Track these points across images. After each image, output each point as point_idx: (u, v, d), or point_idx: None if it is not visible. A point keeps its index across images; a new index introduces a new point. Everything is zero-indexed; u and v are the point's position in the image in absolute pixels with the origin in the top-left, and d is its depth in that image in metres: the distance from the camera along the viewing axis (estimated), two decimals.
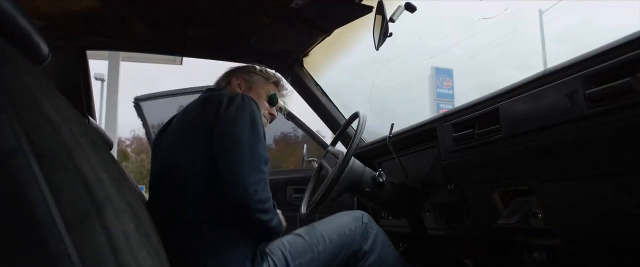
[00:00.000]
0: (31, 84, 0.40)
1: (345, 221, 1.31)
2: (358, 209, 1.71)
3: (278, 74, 1.52)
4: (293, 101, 1.64)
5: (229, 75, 1.43)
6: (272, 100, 1.42)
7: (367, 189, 1.41)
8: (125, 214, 0.48)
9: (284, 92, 1.51)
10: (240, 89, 1.38)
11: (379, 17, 1.35)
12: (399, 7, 1.31)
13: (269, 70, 1.49)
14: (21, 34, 0.46)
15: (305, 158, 2.11)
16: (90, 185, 0.40)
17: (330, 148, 1.60)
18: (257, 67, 1.47)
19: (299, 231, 1.28)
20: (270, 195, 1.12)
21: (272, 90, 1.44)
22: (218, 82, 1.45)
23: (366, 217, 1.35)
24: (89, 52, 1.69)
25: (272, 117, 1.45)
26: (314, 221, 1.39)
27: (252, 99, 1.19)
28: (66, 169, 0.38)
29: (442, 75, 16.70)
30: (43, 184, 0.34)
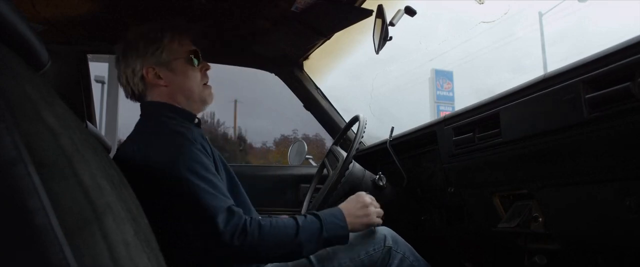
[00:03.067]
0: (31, 91, 0.40)
1: (363, 243, 1.11)
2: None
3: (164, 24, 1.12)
4: None
5: (132, 69, 1.09)
6: (198, 58, 1.14)
7: (367, 192, 1.41)
8: (125, 221, 0.48)
9: (189, 27, 1.17)
10: (161, 78, 1.09)
11: (379, 21, 1.34)
12: (399, 10, 1.31)
13: (151, 27, 1.11)
14: (21, 40, 0.45)
15: (293, 162, 2.01)
16: (90, 193, 0.39)
17: (333, 147, 1.59)
18: (139, 39, 1.10)
19: None
20: None
21: (188, 47, 1.13)
22: (131, 88, 1.11)
23: (390, 238, 1.14)
24: (89, 55, 1.69)
25: (206, 77, 1.18)
26: None
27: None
28: (66, 177, 0.38)
29: (442, 77, 16.71)
30: (43, 193, 0.33)
